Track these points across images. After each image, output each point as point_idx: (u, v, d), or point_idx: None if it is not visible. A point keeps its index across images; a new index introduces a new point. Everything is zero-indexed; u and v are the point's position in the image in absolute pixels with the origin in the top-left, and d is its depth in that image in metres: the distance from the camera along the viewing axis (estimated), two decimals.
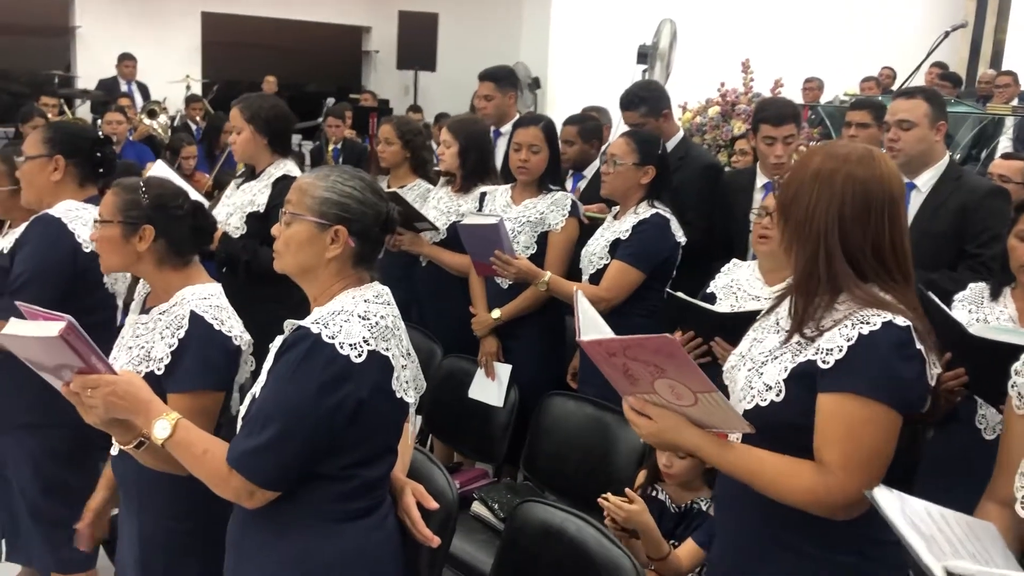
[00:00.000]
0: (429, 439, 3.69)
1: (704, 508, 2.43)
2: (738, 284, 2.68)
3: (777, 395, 1.59)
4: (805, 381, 1.57)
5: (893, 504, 1.46)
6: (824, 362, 1.54)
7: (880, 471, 1.53)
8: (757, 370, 1.65)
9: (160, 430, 1.71)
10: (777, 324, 1.71)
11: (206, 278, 2.14)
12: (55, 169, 2.55)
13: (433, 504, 1.92)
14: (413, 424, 2.08)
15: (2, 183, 2.88)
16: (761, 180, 3.64)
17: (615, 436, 2.89)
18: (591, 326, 1.69)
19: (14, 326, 1.74)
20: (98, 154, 2.62)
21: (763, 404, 1.59)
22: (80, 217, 2.47)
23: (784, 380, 1.59)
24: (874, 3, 10.90)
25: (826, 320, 1.58)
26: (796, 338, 1.61)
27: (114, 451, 2.15)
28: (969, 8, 11.94)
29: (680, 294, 2.58)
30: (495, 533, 2.91)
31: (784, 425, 1.57)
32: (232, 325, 2.05)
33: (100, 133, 2.90)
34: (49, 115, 6.86)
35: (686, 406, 1.55)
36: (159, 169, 3.52)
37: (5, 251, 2.53)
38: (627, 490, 2.32)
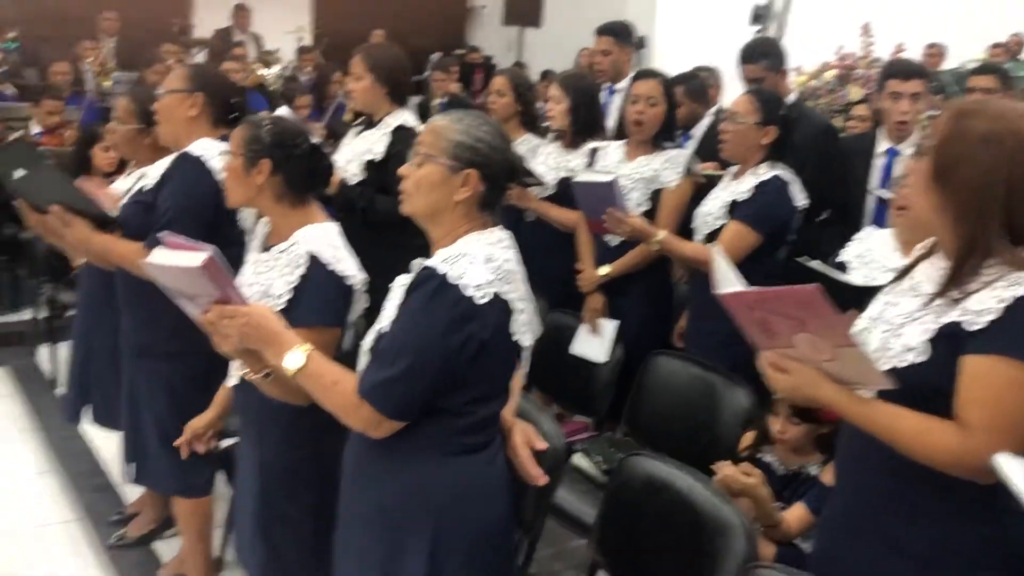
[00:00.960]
0: (529, 390, 3.73)
1: (813, 474, 2.41)
2: (871, 255, 2.60)
3: (918, 356, 1.57)
4: (948, 343, 1.54)
5: (1018, 470, 1.44)
6: (973, 324, 1.52)
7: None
8: (895, 332, 1.62)
9: (293, 361, 1.78)
10: (913, 288, 1.68)
11: (324, 217, 2.20)
12: (192, 105, 2.62)
13: (542, 445, 1.97)
14: (525, 367, 2.12)
15: (130, 121, 2.98)
16: (882, 145, 3.53)
17: (720, 398, 2.88)
18: (727, 281, 1.69)
19: (159, 255, 1.83)
20: (233, 100, 2.69)
21: (902, 366, 1.57)
22: (216, 155, 2.54)
23: (929, 341, 1.56)
24: None
25: (972, 283, 1.55)
26: (939, 300, 1.58)
27: (232, 382, 2.25)
28: None
29: (814, 263, 2.52)
30: (596, 486, 2.94)
31: (923, 387, 1.55)
32: (347, 264, 2.11)
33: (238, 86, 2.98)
34: (170, 62, 7.09)
35: (824, 361, 1.54)
36: (282, 113, 3.61)
37: (147, 188, 2.63)
38: (744, 464, 2.31)
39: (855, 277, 2.57)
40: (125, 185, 2.96)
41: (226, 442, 2.57)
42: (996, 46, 8.56)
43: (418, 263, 1.80)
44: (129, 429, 2.82)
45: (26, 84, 6.60)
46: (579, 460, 3.03)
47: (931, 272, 1.66)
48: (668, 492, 2.22)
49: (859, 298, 2.34)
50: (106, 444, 3.76)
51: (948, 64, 8.76)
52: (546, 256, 3.62)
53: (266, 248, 2.20)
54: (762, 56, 3.71)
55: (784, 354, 1.59)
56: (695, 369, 2.98)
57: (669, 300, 3.51)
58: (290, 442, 2.16)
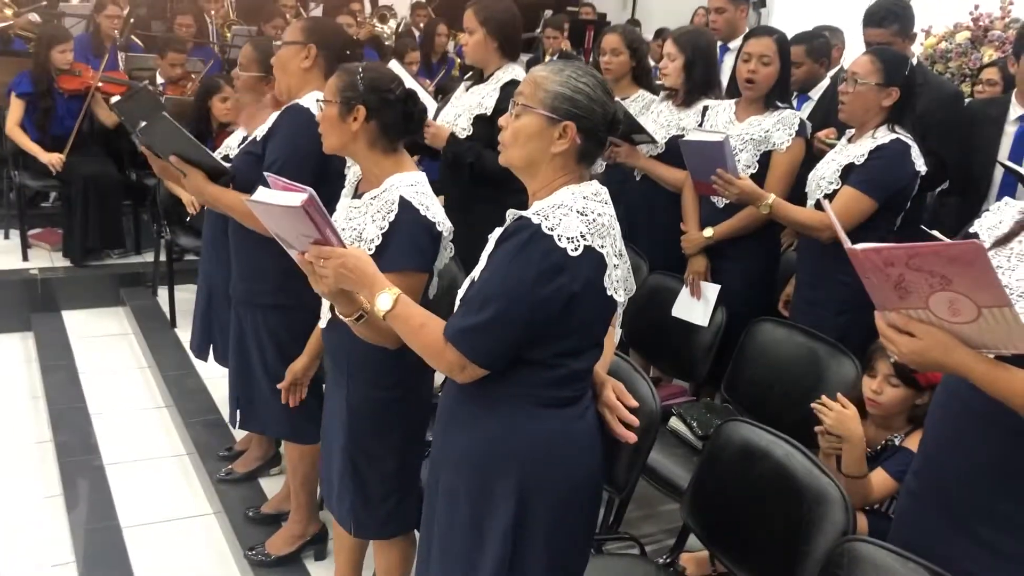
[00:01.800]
0: (626, 351, 3.71)
1: (898, 443, 2.33)
2: (1007, 226, 2.47)
3: None
4: None
5: None
6: None
7: None
8: (1021, 297, 1.53)
9: (383, 302, 1.81)
10: (1022, 254, 1.61)
11: (413, 166, 2.22)
12: (306, 57, 2.66)
13: (633, 402, 1.94)
14: (618, 326, 2.10)
15: (252, 69, 3.07)
16: (1016, 112, 3.34)
17: (825, 368, 2.79)
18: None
19: (261, 193, 1.87)
20: (347, 52, 2.72)
21: None
22: None
23: None
24: None
25: None
26: None
27: (323, 324, 2.31)
28: None
29: (936, 232, 2.40)
30: (692, 450, 2.92)
31: None
32: (436, 211, 2.13)
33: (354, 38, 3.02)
34: (288, 15, 7.25)
35: (962, 323, 1.46)
36: (394, 68, 3.63)
37: (258, 138, 2.70)
38: (839, 395, 2.25)
39: None
40: (241, 134, 3.05)
41: None
42: None
43: (512, 213, 1.79)
44: (237, 374, 2.92)
45: (152, 35, 6.84)
46: (675, 423, 3.01)
47: None
48: (766, 460, 2.17)
49: None
50: (218, 383, 3.93)
51: None
52: (652, 216, 3.59)
53: (358, 195, 2.25)
54: (893, 19, 3.51)
55: (912, 315, 1.51)
56: (800, 337, 2.90)
57: (775, 267, 3.42)
58: (377, 383, 2.22)
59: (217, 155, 2.94)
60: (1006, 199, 2.63)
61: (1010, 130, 3.33)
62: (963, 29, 5.72)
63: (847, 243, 1.47)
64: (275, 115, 2.69)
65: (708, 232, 3.27)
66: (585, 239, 1.72)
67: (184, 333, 4.69)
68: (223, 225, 2.91)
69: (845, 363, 2.74)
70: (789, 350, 2.93)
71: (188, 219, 4.76)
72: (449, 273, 2.88)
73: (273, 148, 2.60)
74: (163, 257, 5.07)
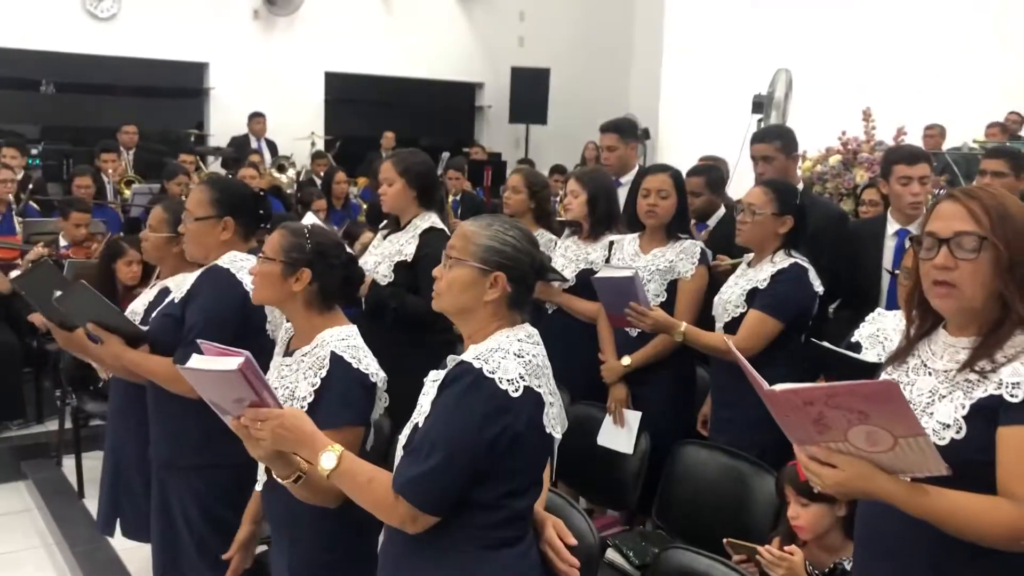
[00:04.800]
0: (555, 483, 3.71)
1: (848, 567, 2.37)
2: (885, 333, 2.64)
3: (957, 433, 1.58)
4: (987, 416, 1.56)
5: None
6: (1012, 396, 1.54)
7: None
8: (924, 411, 1.63)
9: (327, 461, 1.80)
10: (925, 365, 1.71)
11: (344, 321, 2.27)
12: (224, 229, 2.70)
13: (572, 540, 1.97)
14: (554, 460, 2.14)
15: (162, 230, 3.06)
16: (893, 227, 3.59)
17: (750, 486, 2.87)
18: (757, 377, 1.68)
19: (195, 360, 1.87)
20: (260, 210, 2.78)
21: (942, 443, 1.57)
22: (245, 267, 2.60)
23: (964, 417, 1.58)
24: (996, 46, 10.58)
25: (999, 355, 1.59)
26: (965, 375, 1.61)
27: (259, 487, 2.27)
28: None
29: (825, 343, 2.56)
30: None
31: (964, 463, 1.55)
32: (369, 363, 2.17)
33: (257, 191, 3.07)
34: (190, 170, 7.31)
35: (879, 452, 1.53)
36: (309, 220, 3.70)
37: (177, 301, 2.70)
38: (776, 541, 2.30)
39: (869, 356, 2.60)
40: (146, 297, 3.03)
41: (259, 549, 2.57)
42: (992, 125, 8.73)
43: (452, 358, 1.85)
44: (162, 543, 2.81)
45: (50, 199, 6.78)
46: (612, 555, 3.01)
47: (938, 349, 1.70)
48: None
49: (874, 376, 2.38)
50: (134, 554, 3.73)
51: (948, 143, 8.93)
52: (568, 347, 3.66)
53: (289, 352, 2.26)
54: (776, 137, 3.80)
55: (832, 447, 1.57)
56: (723, 458, 2.98)
57: (692, 388, 3.53)
58: (320, 544, 2.17)
59: None
60: (879, 310, 2.84)
61: (890, 244, 3.58)
62: (835, 153, 6.18)
63: (765, 386, 1.55)
64: (187, 278, 2.70)
65: (626, 361, 3.37)
66: (524, 380, 1.78)
67: (93, 503, 4.45)
68: (132, 392, 2.86)
69: (768, 480, 2.81)
70: (713, 471, 3.00)
71: (100, 384, 4.60)
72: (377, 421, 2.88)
73: (193, 311, 2.60)
74: (68, 424, 4.87)
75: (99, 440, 5.00)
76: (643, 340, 3.35)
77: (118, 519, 3.30)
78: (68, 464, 4.84)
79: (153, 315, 2.83)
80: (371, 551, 2.25)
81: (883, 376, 1.79)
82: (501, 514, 1.82)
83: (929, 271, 1.66)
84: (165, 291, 2.94)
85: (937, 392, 1.64)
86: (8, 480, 4.94)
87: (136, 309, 3.10)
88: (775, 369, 2.86)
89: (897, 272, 2.67)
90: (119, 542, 3.82)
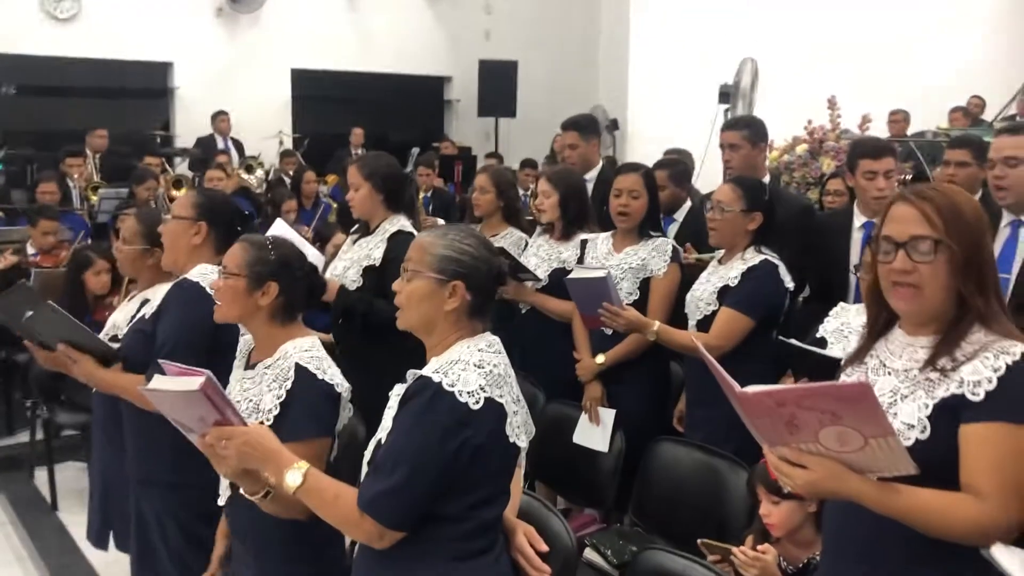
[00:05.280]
0: (532, 484, 3.72)
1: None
2: (849, 328, 2.68)
3: (922, 433, 1.60)
4: (949, 415, 1.59)
5: (1012, 560, 1.49)
6: (974, 394, 1.57)
7: None
8: (887, 411, 1.63)
9: (292, 478, 1.81)
10: (884, 365, 1.73)
11: (305, 332, 2.26)
12: (196, 233, 2.69)
13: (544, 547, 1.99)
14: (522, 467, 2.15)
15: (136, 242, 3.02)
16: (859, 220, 3.62)
17: (726, 482, 2.89)
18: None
19: (157, 381, 1.87)
20: (239, 228, 2.76)
21: (907, 443, 1.60)
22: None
23: (928, 417, 1.61)
24: (959, 32, 10.72)
25: (958, 353, 1.61)
26: (926, 374, 1.64)
27: (222, 501, 2.26)
28: None
29: (792, 340, 2.59)
30: None
31: (930, 461, 1.58)
32: (333, 373, 2.16)
33: (244, 211, 3.04)
34: (158, 174, 7.23)
35: (850, 452, 1.55)
36: (279, 227, 3.67)
37: (148, 316, 2.67)
38: (748, 541, 2.32)
39: (835, 351, 2.63)
40: (128, 310, 2.99)
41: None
42: (955, 110, 8.84)
43: (412, 374, 1.86)
44: (139, 555, 2.80)
45: (13, 207, 6.68)
46: (590, 554, 3.03)
47: (895, 348, 1.72)
48: None
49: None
50: (111, 568, 3.70)
51: (913, 128, 9.04)
52: (543, 346, 3.69)
53: (250, 365, 2.25)
54: (745, 126, 3.84)
55: (803, 448, 1.59)
56: (698, 454, 3.01)
57: (667, 385, 3.56)
58: (289, 558, 2.16)
59: (105, 335, 2.89)
60: (842, 304, 2.87)
61: (856, 237, 3.61)
62: (801, 142, 6.24)
63: (737, 388, 1.56)
64: (164, 290, 2.68)
65: (600, 359, 3.39)
66: (484, 391, 1.79)
67: (68, 516, 4.45)
68: (115, 407, 2.83)
69: (743, 476, 2.83)
70: (689, 468, 3.02)
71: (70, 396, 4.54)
72: (348, 425, 2.87)
73: (163, 327, 2.58)
74: (40, 436, 4.82)
75: (72, 451, 4.98)
76: (618, 338, 3.37)
77: (110, 532, 3.27)
78: (40, 476, 4.79)
79: (124, 331, 2.81)
80: (339, 560, 2.26)
81: (842, 377, 1.81)
82: (469, 525, 1.83)
83: (888, 273, 1.68)
84: (146, 301, 2.91)
85: (899, 392, 1.67)
86: None
87: (118, 323, 3.05)
88: (747, 365, 2.90)
89: (858, 268, 2.70)
90: (94, 555, 3.80)
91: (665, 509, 3.05)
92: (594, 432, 3.38)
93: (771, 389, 1.54)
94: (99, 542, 3.29)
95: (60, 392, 4.61)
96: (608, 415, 3.36)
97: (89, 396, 3.63)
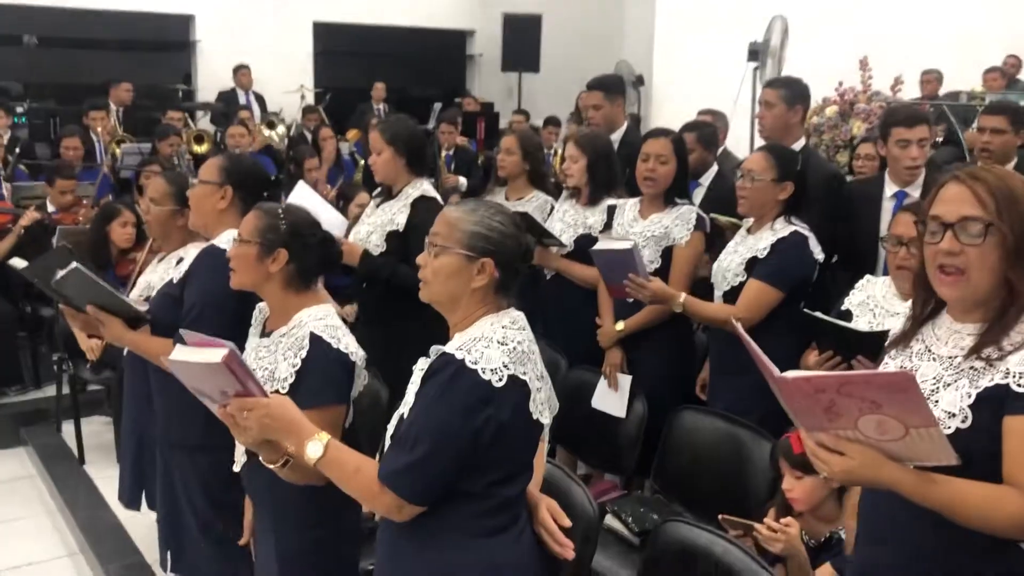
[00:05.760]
0: (554, 449, 3.73)
1: (843, 536, 2.40)
2: (875, 300, 2.65)
3: (963, 422, 1.57)
4: (993, 405, 1.56)
5: None
6: (1020, 385, 1.53)
7: None
8: (929, 399, 1.61)
9: (314, 450, 1.81)
10: (929, 350, 1.69)
11: (320, 300, 2.27)
12: (222, 198, 2.69)
13: (567, 522, 1.98)
14: (546, 442, 2.14)
15: (165, 203, 3.00)
16: (891, 189, 3.56)
17: (748, 451, 2.89)
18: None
19: (179, 352, 1.87)
20: (265, 194, 2.75)
21: (948, 432, 1.56)
22: None
23: (970, 406, 1.57)
24: None
25: (1005, 342, 1.57)
26: (971, 362, 1.60)
27: (237, 467, 2.28)
28: None
29: (817, 313, 2.56)
30: (630, 546, 2.95)
31: (970, 451, 1.55)
32: (348, 342, 2.17)
33: (274, 176, 3.03)
34: (180, 130, 7.21)
35: (890, 440, 1.53)
36: (301, 190, 3.66)
37: (176, 281, 2.68)
38: (771, 515, 2.32)
39: (860, 324, 2.60)
40: (160, 270, 2.99)
41: None
42: (991, 70, 8.63)
43: (436, 349, 1.85)
44: (166, 516, 2.84)
45: (39, 162, 6.69)
46: (611, 521, 3.04)
47: (942, 334, 1.68)
48: (707, 558, 2.22)
49: (868, 344, 2.38)
50: (138, 522, 3.76)
51: (945, 88, 8.85)
52: (567, 312, 3.68)
53: (266, 333, 2.26)
54: (783, 85, 3.79)
55: (841, 434, 1.57)
56: (721, 423, 3.00)
57: (690, 353, 3.54)
58: (306, 522, 2.19)
59: (139, 295, 2.90)
60: (868, 276, 2.83)
61: (887, 206, 3.55)
62: (831, 104, 6.12)
63: (776, 372, 1.53)
64: (192, 253, 2.68)
65: (620, 325, 3.37)
66: (508, 368, 1.78)
67: (94, 470, 4.52)
68: (144, 369, 2.85)
69: (766, 447, 2.83)
70: (712, 437, 3.01)
71: (88, 365, 4.55)
72: (371, 389, 2.88)
73: (191, 292, 2.59)
74: (66, 390, 4.87)
75: (98, 406, 5.04)
76: (642, 304, 3.34)
77: (142, 492, 3.31)
78: (68, 430, 4.85)
79: (153, 294, 2.82)
80: (356, 526, 2.29)
81: (886, 360, 1.78)
82: (491, 502, 1.83)
83: (935, 255, 1.63)
84: (180, 261, 2.91)
85: (942, 380, 1.63)
86: (8, 446, 4.96)
87: (152, 283, 3.06)
88: (775, 338, 2.86)
89: (884, 241, 2.65)
90: (121, 510, 3.84)
91: (686, 477, 3.05)
92: (612, 397, 3.38)
93: (811, 375, 1.52)
94: (131, 503, 3.33)
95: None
96: (626, 381, 3.35)
97: (113, 353, 3.68)
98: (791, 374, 1.52)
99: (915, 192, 3.46)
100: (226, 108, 9.24)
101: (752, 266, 2.99)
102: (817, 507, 2.40)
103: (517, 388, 1.79)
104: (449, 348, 1.81)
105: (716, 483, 2.95)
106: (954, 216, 1.61)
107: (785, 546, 2.24)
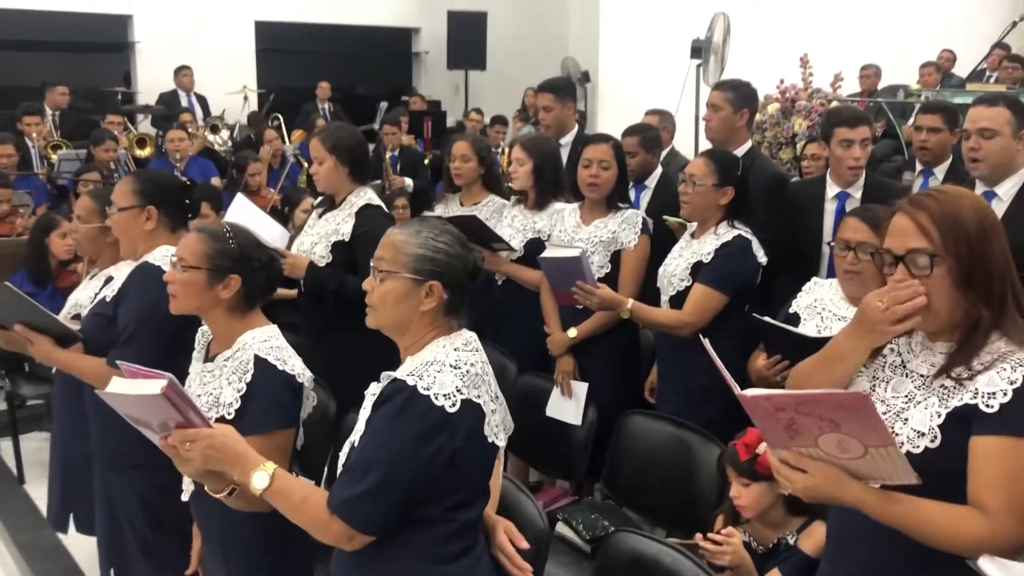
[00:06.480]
0: (506, 457, 3.72)
1: (792, 542, 2.41)
2: (823, 304, 2.67)
3: (932, 441, 1.57)
4: (961, 425, 1.55)
5: (1001, 573, 1.48)
6: (987, 406, 1.53)
7: None
8: (899, 416, 1.62)
9: (259, 480, 1.78)
10: (903, 365, 1.69)
11: (263, 322, 2.22)
12: (148, 219, 2.63)
13: (524, 544, 1.97)
14: (501, 462, 2.13)
15: (93, 220, 2.94)
16: (832, 190, 3.59)
17: (696, 455, 2.90)
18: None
19: (115, 384, 1.81)
20: (186, 200, 2.69)
21: (916, 451, 1.57)
22: None
23: (939, 426, 1.57)
24: None
25: (975, 362, 1.57)
26: (941, 381, 1.60)
27: (185, 497, 2.23)
28: None
29: (766, 318, 2.58)
30: (581, 553, 2.95)
31: (937, 471, 1.55)
32: (294, 363, 2.13)
33: (184, 180, 2.96)
34: (117, 133, 7.04)
35: (851, 459, 1.53)
36: (239, 205, 3.58)
37: (108, 299, 2.61)
38: (717, 527, 2.33)
39: (808, 328, 2.62)
40: (91, 288, 2.92)
41: None
42: (926, 65, 8.81)
43: (386, 375, 1.81)
44: (106, 537, 2.78)
45: None
46: (562, 529, 3.04)
47: (916, 348, 1.68)
48: (656, 569, 2.21)
49: (816, 349, 2.39)
50: (80, 541, 3.64)
51: (884, 82, 9.01)
52: (518, 317, 3.67)
53: (209, 358, 2.21)
54: (731, 89, 3.79)
55: (803, 452, 1.57)
56: (669, 427, 3.01)
57: (637, 356, 3.55)
58: (255, 550, 2.15)
59: (67, 313, 2.82)
60: (815, 279, 2.86)
61: (830, 207, 3.58)
62: (773, 101, 6.19)
63: (737, 389, 1.53)
64: (127, 268, 2.61)
65: (572, 332, 3.37)
66: (461, 393, 1.75)
67: (33, 488, 4.39)
68: (76, 387, 2.78)
69: (714, 450, 2.85)
70: (660, 440, 3.02)
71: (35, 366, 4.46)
72: (319, 402, 2.84)
73: (126, 311, 2.53)
74: (3, 406, 4.73)
75: (37, 421, 4.91)
76: (589, 311, 3.34)
77: (71, 515, 3.23)
78: (5, 447, 4.72)
79: (84, 313, 2.75)
80: (307, 552, 2.24)
81: (860, 370, 1.76)
82: (449, 527, 1.81)
83: (893, 286, 1.63)
84: (109, 279, 2.85)
85: (913, 398, 1.63)
86: None
87: (81, 301, 2.99)
88: (720, 341, 2.87)
89: (832, 244, 2.67)
90: None
91: (636, 482, 3.06)
92: (567, 405, 3.38)
93: (770, 393, 1.53)
94: (59, 525, 3.25)
95: (23, 363, 4.53)
96: (580, 388, 3.35)
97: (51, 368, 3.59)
98: (751, 392, 1.52)
99: (856, 193, 3.51)
100: (167, 110, 9.06)
101: (697, 270, 3.01)
102: (765, 513, 2.42)
103: (471, 412, 1.77)
104: (400, 373, 1.77)
105: (665, 488, 2.96)
106: (901, 249, 1.61)
107: (732, 557, 2.26)
